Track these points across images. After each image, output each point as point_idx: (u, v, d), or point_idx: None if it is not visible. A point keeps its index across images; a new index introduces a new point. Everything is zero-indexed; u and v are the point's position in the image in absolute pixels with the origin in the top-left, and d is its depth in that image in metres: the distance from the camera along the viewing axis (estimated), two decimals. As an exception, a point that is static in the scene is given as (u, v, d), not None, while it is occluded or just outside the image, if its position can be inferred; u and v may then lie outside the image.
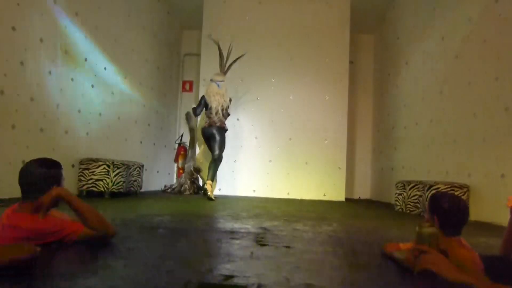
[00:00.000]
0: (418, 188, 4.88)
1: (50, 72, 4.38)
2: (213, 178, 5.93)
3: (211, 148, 6.11)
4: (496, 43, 4.20)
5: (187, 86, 8.81)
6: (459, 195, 4.28)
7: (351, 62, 7.79)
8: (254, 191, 7.17)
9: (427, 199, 4.45)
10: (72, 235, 1.89)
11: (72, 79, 4.80)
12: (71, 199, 1.92)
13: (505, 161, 3.97)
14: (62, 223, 1.88)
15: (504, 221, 1.89)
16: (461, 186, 4.43)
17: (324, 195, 7.12)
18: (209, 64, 7.28)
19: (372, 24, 8.32)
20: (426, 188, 4.62)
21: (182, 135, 8.48)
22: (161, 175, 7.85)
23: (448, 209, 1.79)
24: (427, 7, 5.89)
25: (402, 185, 5.29)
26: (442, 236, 1.77)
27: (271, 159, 7.25)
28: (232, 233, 2.64)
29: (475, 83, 4.56)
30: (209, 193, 5.60)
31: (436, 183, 4.63)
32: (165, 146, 8.06)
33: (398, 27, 7.17)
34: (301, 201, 6.40)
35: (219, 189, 7.14)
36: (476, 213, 4.33)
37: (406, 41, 6.78)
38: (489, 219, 4.04)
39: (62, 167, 2.03)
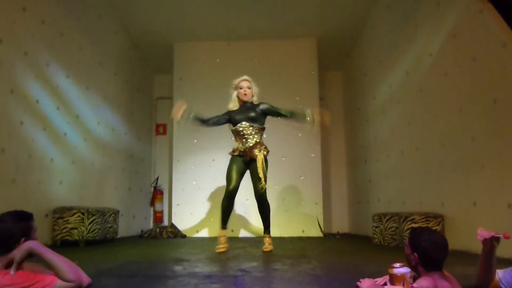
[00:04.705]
0: (394, 220, 4.93)
1: (21, 122, 4.34)
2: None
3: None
4: (456, 75, 4.39)
5: (161, 129, 8.82)
6: (434, 225, 4.36)
7: (321, 99, 7.96)
8: (232, 231, 7.09)
9: (403, 231, 4.51)
10: (46, 288, 1.84)
11: (44, 129, 4.76)
12: (42, 251, 1.88)
13: (475, 189, 4.07)
14: (34, 277, 1.83)
15: (479, 248, 1.94)
16: (435, 216, 4.50)
17: (303, 231, 7.10)
18: (182, 107, 7.36)
19: (339, 61, 8.58)
20: (402, 219, 4.67)
21: (157, 178, 8.41)
22: (138, 219, 7.70)
23: (427, 248, 1.83)
24: (390, 43, 6.14)
25: (378, 217, 5.33)
26: (423, 271, 1.81)
27: (247, 198, 7.22)
28: (210, 277, 2.60)
29: (440, 114, 4.72)
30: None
31: (411, 214, 4.69)
32: (140, 190, 7.96)
33: (364, 63, 7.42)
34: (280, 239, 6.35)
35: (196, 231, 7.05)
36: (452, 242, 4.33)
37: (372, 77, 7.00)
38: (465, 247, 4.09)
39: (33, 218, 2.00)
